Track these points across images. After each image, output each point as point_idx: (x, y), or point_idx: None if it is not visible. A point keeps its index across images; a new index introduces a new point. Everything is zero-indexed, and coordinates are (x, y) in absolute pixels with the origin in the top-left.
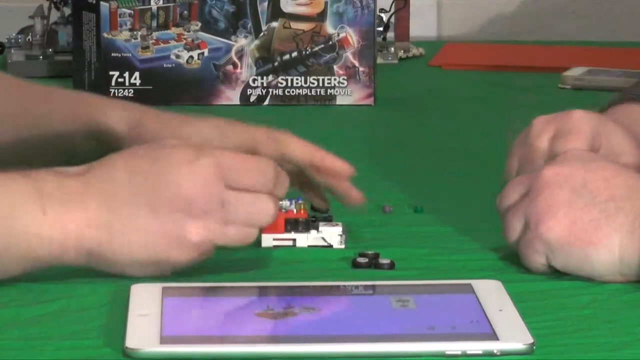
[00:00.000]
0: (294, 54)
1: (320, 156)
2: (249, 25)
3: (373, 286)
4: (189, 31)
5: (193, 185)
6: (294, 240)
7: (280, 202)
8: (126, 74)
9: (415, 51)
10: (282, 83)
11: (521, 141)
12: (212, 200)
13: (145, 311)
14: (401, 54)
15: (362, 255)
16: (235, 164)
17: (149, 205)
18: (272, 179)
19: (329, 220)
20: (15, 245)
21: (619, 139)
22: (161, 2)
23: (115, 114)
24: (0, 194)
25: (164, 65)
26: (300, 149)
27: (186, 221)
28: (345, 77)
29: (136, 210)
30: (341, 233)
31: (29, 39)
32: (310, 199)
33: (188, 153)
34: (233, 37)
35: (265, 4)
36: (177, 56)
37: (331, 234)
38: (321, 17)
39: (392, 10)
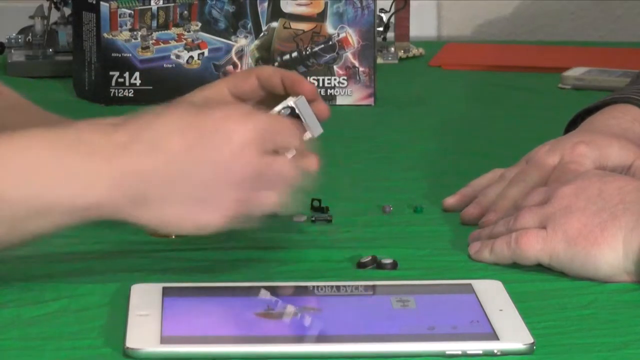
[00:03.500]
0: (294, 54)
1: (288, 74)
2: (249, 25)
3: (373, 286)
4: (189, 31)
5: (239, 164)
6: None
7: None
8: (126, 74)
9: (415, 51)
10: None
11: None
12: (252, 172)
13: (145, 311)
14: (401, 54)
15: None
16: (272, 128)
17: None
18: (299, 137)
19: (329, 220)
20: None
21: (621, 157)
22: (161, 2)
23: None
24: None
25: (164, 66)
26: (271, 70)
27: (224, 190)
28: (345, 77)
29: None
30: None
31: (29, 39)
32: None
33: (237, 119)
34: (233, 37)
35: (265, 4)
36: (177, 56)
37: None
38: (321, 17)
39: (392, 10)
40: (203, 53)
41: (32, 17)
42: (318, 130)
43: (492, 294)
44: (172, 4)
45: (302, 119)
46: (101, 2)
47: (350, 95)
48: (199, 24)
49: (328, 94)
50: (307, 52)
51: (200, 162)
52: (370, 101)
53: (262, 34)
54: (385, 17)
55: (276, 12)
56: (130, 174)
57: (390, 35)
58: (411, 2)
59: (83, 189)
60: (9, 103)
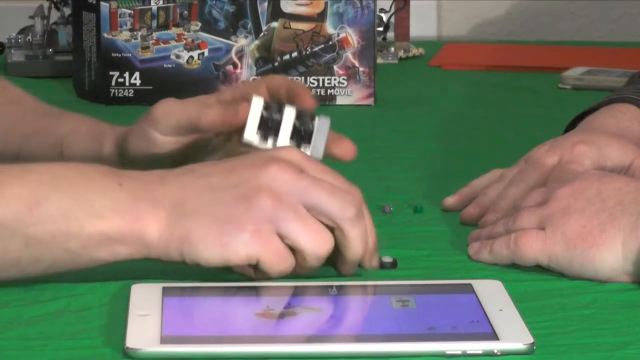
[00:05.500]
0: (294, 54)
1: (293, 85)
2: (249, 25)
3: (373, 286)
4: (189, 31)
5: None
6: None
7: None
8: (126, 74)
9: (415, 51)
10: None
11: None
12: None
13: (145, 311)
14: (401, 54)
15: None
16: (321, 194)
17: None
18: (360, 208)
19: None
20: (76, 241)
21: (621, 156)
22: (161, 2)
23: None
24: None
25: (164, 66)
26: (280, 80)
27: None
28: (345, 77)
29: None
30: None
31: (29, 39)
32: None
33: (288, 166)
34: (233, 37)
35: (265, 4)
36: (177, 56)
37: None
38: (321, 17)
39: (392, 10)
40: (203, 53)
41: (32, 17)
42: (318, 154)
43: (492, 294)
44: (172, 4)
45: (312, 138)
46: (101, 2)
47: (350, 95)
48: (199, 24)
49: (328, 94)
50: (307, 52)
51: (232, 185)
52: (370, 101)
53: (262, 34)
54: (385, 17)
55: (276, 12)
56: (174, 201)
57: (390, 35)
58: (411, 2)
59: (134, 222)
60: (7, 98)
